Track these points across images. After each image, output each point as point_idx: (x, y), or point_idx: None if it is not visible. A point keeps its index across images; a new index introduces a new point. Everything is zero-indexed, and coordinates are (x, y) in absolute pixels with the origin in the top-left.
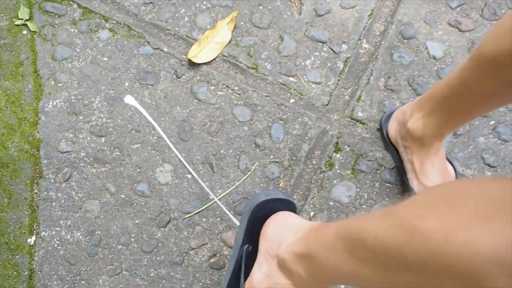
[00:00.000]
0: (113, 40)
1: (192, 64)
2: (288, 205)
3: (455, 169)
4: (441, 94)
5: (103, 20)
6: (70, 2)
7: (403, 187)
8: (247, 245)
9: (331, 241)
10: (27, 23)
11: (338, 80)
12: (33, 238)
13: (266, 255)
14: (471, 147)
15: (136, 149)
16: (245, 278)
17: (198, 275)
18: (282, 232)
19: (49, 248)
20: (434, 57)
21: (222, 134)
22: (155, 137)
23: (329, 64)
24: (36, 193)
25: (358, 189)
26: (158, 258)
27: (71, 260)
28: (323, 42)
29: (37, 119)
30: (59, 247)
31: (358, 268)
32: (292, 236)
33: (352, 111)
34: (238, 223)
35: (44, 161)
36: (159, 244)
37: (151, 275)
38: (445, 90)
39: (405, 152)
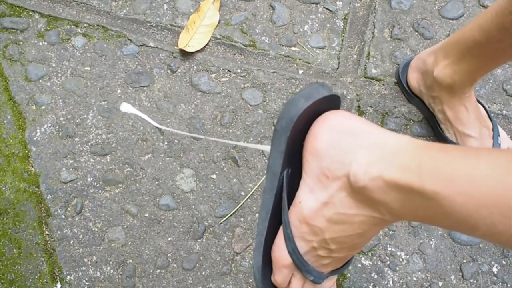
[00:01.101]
0: (90, 45)
1: (185, 54)
2: (332, 102)
3: (485, 108)
4: (473, 40)
5: (73, 26)
6: (30, 13)
7: (437, 137)
8: (287, 169)
9: (494, 194)
10: None
11: (342, 40)
12: (58, 285)
13: (321, 177)
14: (490, 81)
15: (148, 160)
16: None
17: (250, 280)
18: (344, 145)
19: None
20: None
21: (237, 123)
22: (166, 143)
23: (328, 25)
24: (48, 234)
25: None
26: (203, 273)
27: None
28: (317, 3)
29: (27, 151)
30: None
31: None
32: (367, 151)
33: (364, 69)
34: (243, 144)
35: (48, 197)
36: (201, 258)
37: None
38: (478, 35)
39: (434, 103)
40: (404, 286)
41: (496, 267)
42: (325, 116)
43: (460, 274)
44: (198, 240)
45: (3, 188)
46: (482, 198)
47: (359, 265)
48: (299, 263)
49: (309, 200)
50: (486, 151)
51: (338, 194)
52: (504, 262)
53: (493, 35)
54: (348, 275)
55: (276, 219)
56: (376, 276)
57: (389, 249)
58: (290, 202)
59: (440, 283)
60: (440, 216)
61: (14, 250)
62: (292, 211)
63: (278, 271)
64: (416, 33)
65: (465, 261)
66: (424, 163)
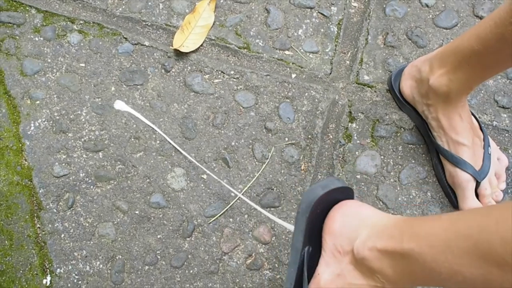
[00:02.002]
0: (86, 42)
1: (179, 55)
2: (346, 193)
3: (476, 118)
4: (470, 49)
5: (69, 22)
6: (27, 8)
7: (427, 145)
8: (307, 247)
9: (447, 239)
10: None
11: (335, 45)
12: (48, 278)
13: (335, 252)
14: (482, 92)
15: (139, 158)
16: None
17: (237, 280)
18: (352, 225)
19: (69, 285)
20: (426, 5)
21: (229, 124)
22: (158, 141)
23: (322, 30)
24: (39, 227)
25: (382, 157)
26: (191, 271)
27: None
28: (311, 8)
29: (21, 145)
30: (80, 282)
31: (491, 272)
32: (367, 229)
33: (357, 75)
34: (269, 216)
35: (40, 191)
36: (189, 256)
37: None
38: (476, 45)
39: (428, 110)
40: None
41: None
42: (340, 204)
43: None
44: (187, 239)
45: None
46: (440, 246)
47: None
48: None
49: (325, 273)
50: (448, 213)
51: (347, 266)
52: None
53: (491, 45)
54: None
55: None
56: None
57: None
58: (310, 275)
59: None
60: (419, 271)
61: (6, 242)
62: (312, 282)
63: None
64: (410, 41)
65: None
66: (403, 230)
